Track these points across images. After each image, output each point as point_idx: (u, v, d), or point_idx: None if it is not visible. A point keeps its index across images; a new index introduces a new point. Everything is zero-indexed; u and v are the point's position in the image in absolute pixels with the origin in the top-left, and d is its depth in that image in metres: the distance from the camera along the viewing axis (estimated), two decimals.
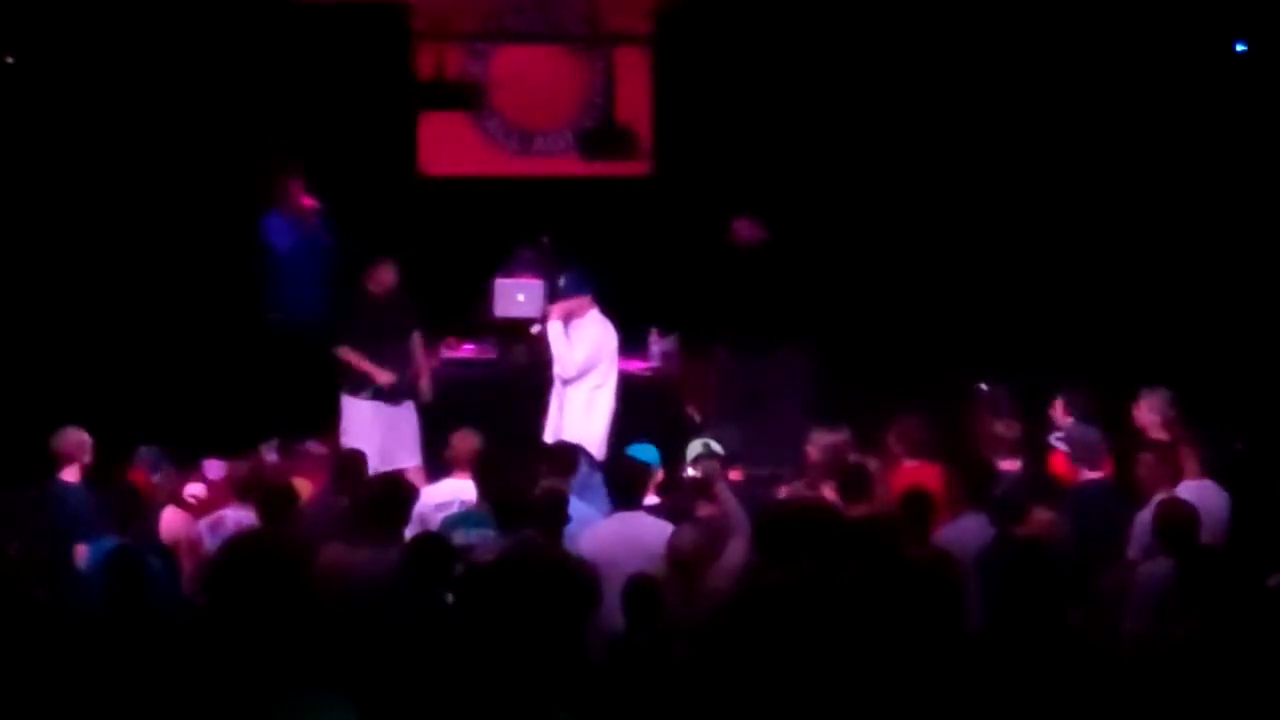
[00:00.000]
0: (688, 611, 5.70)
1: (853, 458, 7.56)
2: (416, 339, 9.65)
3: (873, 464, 7.48)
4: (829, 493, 7.27)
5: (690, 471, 6.78)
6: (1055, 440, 8.10)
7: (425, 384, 9.56)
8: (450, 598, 5.90)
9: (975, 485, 7.04)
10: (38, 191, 10.41)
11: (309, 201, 10.36)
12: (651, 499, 7.15)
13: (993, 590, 5.77)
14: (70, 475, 7.71)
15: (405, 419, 9.38)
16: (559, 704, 4.71)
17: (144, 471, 7.79)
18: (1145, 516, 6.80)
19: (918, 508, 6.68)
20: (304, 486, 7.30)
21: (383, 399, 9.30)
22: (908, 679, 4.91)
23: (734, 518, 6.52)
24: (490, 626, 5.27)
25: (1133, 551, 6.79)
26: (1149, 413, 8.05)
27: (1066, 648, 5.11)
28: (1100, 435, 7.68)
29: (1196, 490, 6.94)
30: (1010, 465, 7.62)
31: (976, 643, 5.18)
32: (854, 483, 7.08)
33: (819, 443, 7.83)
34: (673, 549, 6.08)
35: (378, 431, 9.17)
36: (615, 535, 6.58)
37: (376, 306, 9.48)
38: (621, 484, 6.94)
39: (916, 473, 7.70)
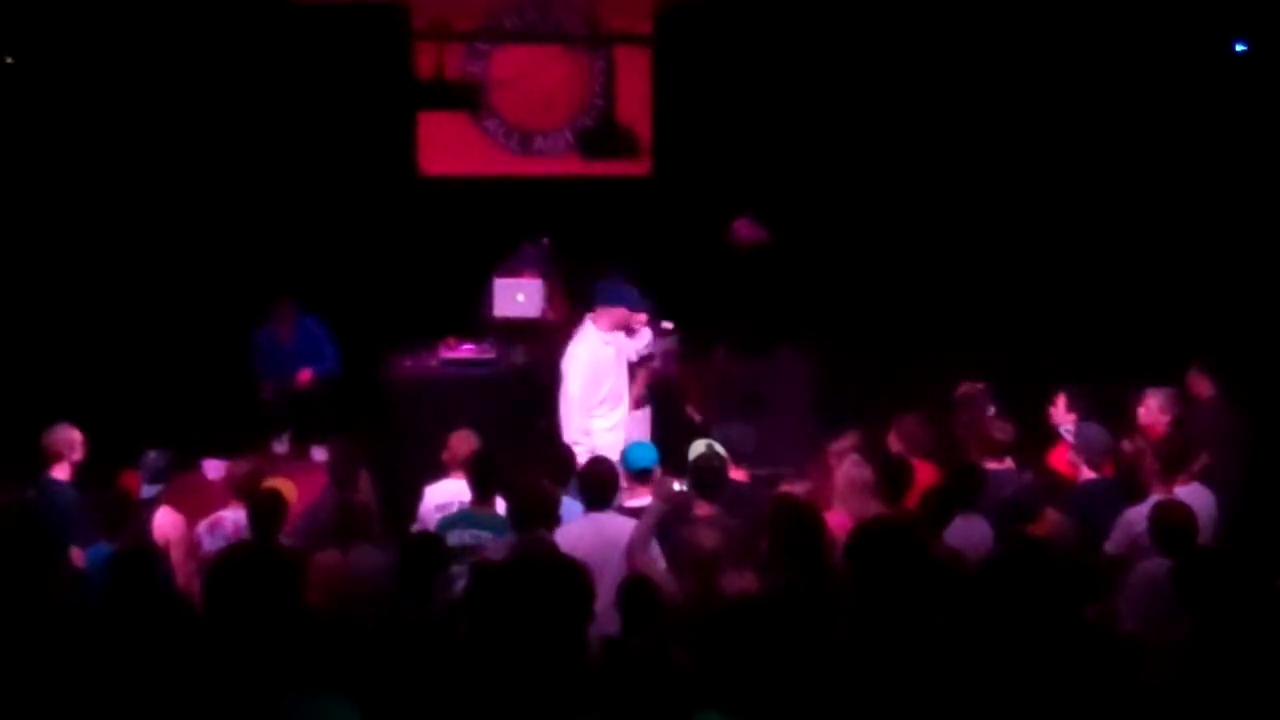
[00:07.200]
0: (699, 612, 5.67)
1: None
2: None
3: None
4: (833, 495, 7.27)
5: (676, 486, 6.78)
6: (1065, 432, 8.08)
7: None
8: (444, 597, 5.91)
9: (968, 489, 7.01)
10: (38, 191, 10.42)
11: (293, 320, 10.40)
12: (645, 498, 7.13)
13: (1003, 591, 5.70)
14: (60, 473, 7.67)
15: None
16: (569, 705, 4.71)
17: (137, 476, 7.73)
18: (1131, 514, 6.81)
19: (935, 507, 6.68)
20: (290, 490, 7.26)
21: None
22: (924, 679, 4.90)
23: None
24: (501, 625, 5.24)
25: (1110, 545, 6.80)
26: (1158, 411, 8.04)
27: (1081, 647, 5.08)
28: (1108, 436, 7.66)
29: (1185, 493, 6.95)
30: (999, 466, 7.61)
31: (989, 643, 5.15)
32: (895, 479, 7.07)
33: (836, 449, 7.82)
34: (695, 548, 6.04)
35: None
36: (586, 536, 6.56)
37: None
38: (591, 484, 6.92)
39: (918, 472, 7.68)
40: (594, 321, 8.62)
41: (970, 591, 5.62)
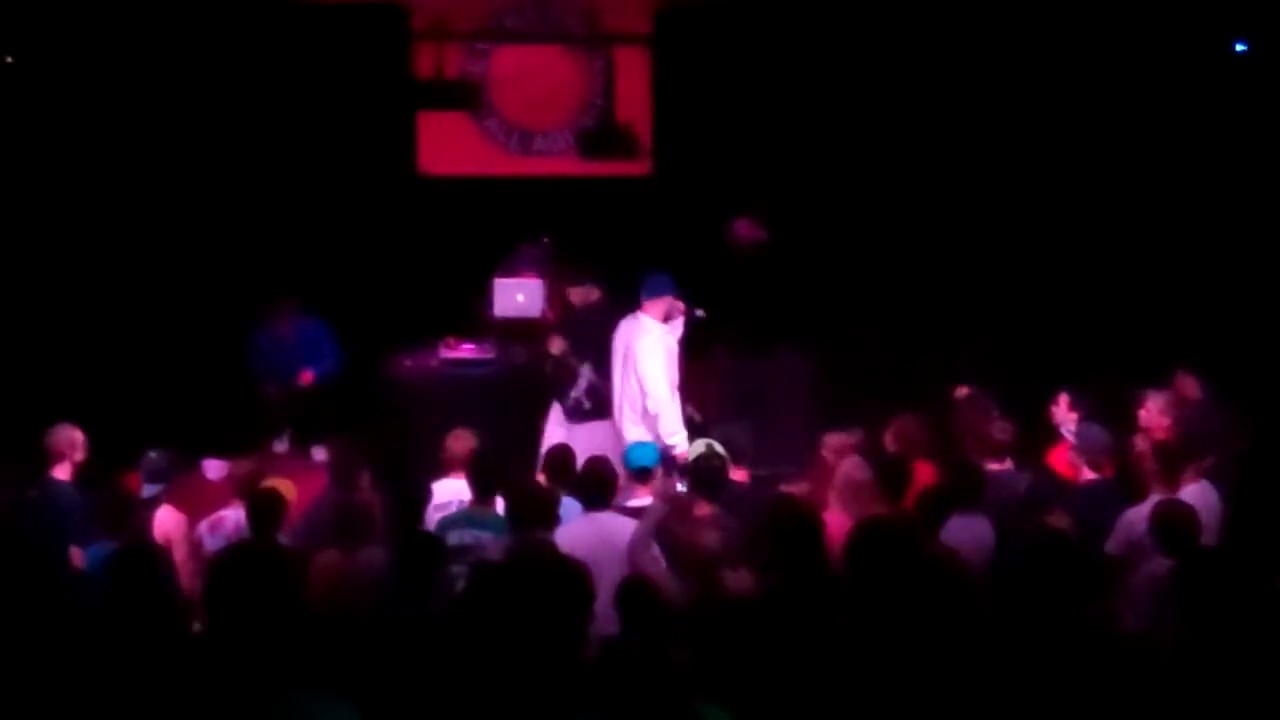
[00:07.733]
0: (699, 612, 5.67)
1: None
2: None
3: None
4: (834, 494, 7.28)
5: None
6: (1066, 432, 8.07)
7: None
8: (445, 597, 5.91)
9: (966, 489, 7.01)
10: (38, 191, 10.42)
11: (293, 320, 10.40)
12: (645, 498, 7.14)
13: (1013, 589, 5.68)
14: (61, 473, 7.66)
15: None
16: (566, 704, 4.71)
17: (138, 477, 7.73)
18: (1131, 515, 6.82)
19: (931, 506, 6.69)
20: (290, 490, 7.25)
21: None
22: (923, 679, 4.90)
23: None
24: (500, 625, 5.25)
25: (1111, 545, 6.80)
26: (1158, 413, 8.04)
27: (1082, 647, 5.08)
28: (1109, 436, 7.66)
29: (1191, 492, 6.94)
30: (999, 466, 7.61)
31: (996, 642, 5.15)
32: (894, 478, 7.08)
33: (831, 445, 7.83)
34: (695, 548, 6.03)
35: None
36: (586, 536, 6.56)
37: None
38: (591, 484, 6.92)
39: (915, 472, 7.68)
40: (647, 314, 8.67)
41: (975, 590, 5.63)
